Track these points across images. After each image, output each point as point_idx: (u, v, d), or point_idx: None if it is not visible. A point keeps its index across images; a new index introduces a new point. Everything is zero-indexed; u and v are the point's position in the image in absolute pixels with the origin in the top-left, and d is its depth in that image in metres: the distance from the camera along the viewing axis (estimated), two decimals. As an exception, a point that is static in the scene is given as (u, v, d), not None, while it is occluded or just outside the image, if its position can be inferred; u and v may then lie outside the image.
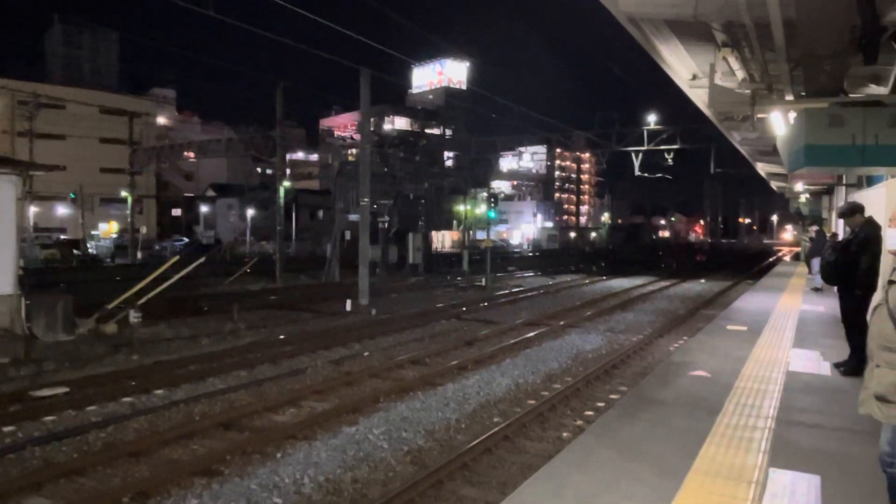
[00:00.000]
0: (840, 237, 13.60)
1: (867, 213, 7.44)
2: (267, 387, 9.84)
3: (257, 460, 6.78)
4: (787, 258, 48.94)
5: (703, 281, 30.18)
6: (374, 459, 6.79)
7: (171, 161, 59.02)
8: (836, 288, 8.70)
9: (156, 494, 5.95)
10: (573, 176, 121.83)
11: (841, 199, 17.79)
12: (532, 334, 14.10)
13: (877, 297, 6.89)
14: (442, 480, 6.16)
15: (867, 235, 7.00)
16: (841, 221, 11.77)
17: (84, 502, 5.66)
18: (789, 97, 8.78)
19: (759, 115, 9.63)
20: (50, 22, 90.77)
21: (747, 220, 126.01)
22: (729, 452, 4.91)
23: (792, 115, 9.25)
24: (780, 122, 9.91)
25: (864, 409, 3.42)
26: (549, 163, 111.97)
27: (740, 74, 9.37)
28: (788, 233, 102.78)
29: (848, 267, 7.14)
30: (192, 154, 46.78)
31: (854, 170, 11.67)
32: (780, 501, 4.08)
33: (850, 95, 8.30)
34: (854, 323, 7.33)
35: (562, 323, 15.84)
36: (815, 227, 20.32)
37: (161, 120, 73.25)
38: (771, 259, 49.01)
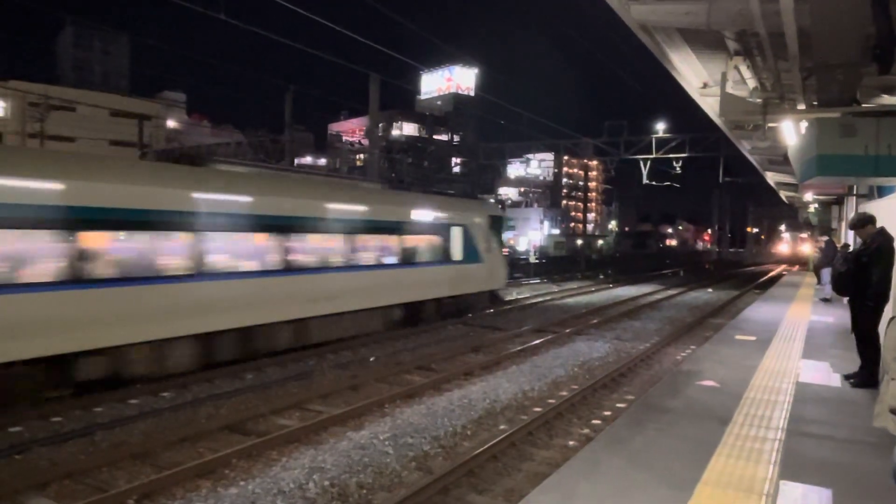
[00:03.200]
0: (851, 248, 13.50)
1: (878, 224, 7.38)
2: (273, 390, 9.83)
3: (262, 464, 6.76)
4: (784, 273, 39.92)
5: (710, 290, 30.04)
6: (379, 465, 6.76)
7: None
8: (845, 299, 8.63)
9: (160, 497, 5.94)
10: (581, 183, 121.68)
11: (851, 209, 17.67)
12: (538, 341, 14.04)
13: (890, 309, 6.84)
14: (448, 487, 6.13)
15: (879, 246, 6.94)
16: (851, 232, 11.70)
17: None
18: (801, 106, 8.74)
19: (771, 125, 9.60)
20: (62, 24, 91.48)
21: (755, 230, 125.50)
22: (739, 464, 4.86)
23: (804, 124, 9.21)
24: (791, 131, 9.86)
25: (879, 423, 3.38)
26: (556, 170, 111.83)
27: (752, 83, 9.34)
28: (786, 244, 74.11)
29: (860, 277, 7.07)
30: (200, 157, 47.01)
31: (866, 180, 11.59)
32: (791, 514, 4.04)
33: (863, 105, 8.26)
34: (865, 334, 7.26)
35: (568, 330, 15.77)
36: (824, 238, 20.20)
37: (171, 123, 73.48)
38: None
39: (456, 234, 16.65)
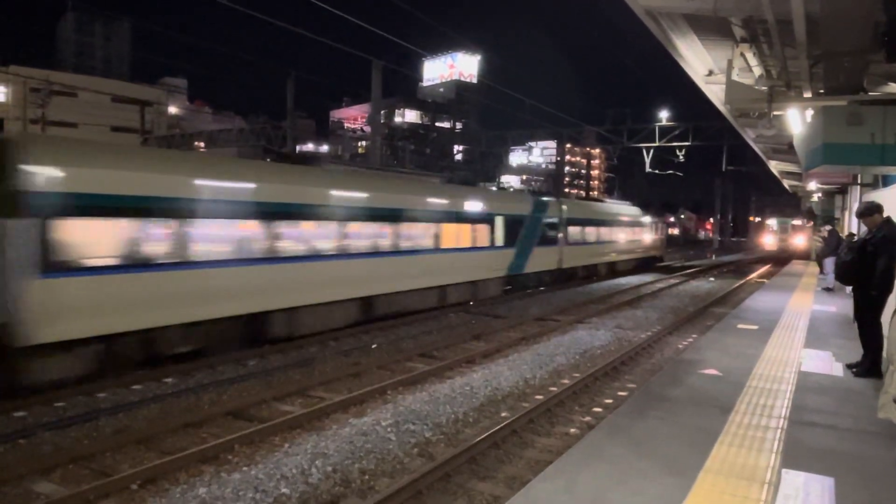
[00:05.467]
0: (856, 237, 13.45)
1: (885, 214, 7.34)
2: (275, 377, 9.86)
3: (265, 450, 6.79)
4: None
5: (711, 279, 30.01)
6: (381, 451, 6.79)
7: (181, 150, 58.99)
8: (848, 288, 8.60)
9: (163, 482, 5.97)
10: (583, 172, 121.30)
11: (855, 198, 17.60)
12: (540, 329, 14.06)
13: (894, 299, 6.81)
14: (450, 474, 6.15)
15: (885, 235, 6.90)
16: (856, 221, 11.65)
17: (93, 489, 5.68)
18: (808, 94, 8.67)
19: (776, 112, 9.52)
20: (63, 10, 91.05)
21: (757, 219, 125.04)
22: (741, 452, 4.86)
23: (809, 112, 9.14)
24: (797, 119, 9.79)
25: (884, 414, 3.38)
26: (558, 158, 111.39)
27: (758, 71, 9.26)
28: (771, 235, 55.07)
29: (864, 267, 7.04)
30: (202, 144, 46.83)
31: (871, 169, 11.54)
32: (793, 503, 4.04)
33: (870, 94, 8.19)
34: (868, 324, 7.25)
35: (570, 318, 15.79)
36: (828, 227, 20.13)
37: (172, 109, 73.23)
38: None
39: (643, 226, 33.29)
